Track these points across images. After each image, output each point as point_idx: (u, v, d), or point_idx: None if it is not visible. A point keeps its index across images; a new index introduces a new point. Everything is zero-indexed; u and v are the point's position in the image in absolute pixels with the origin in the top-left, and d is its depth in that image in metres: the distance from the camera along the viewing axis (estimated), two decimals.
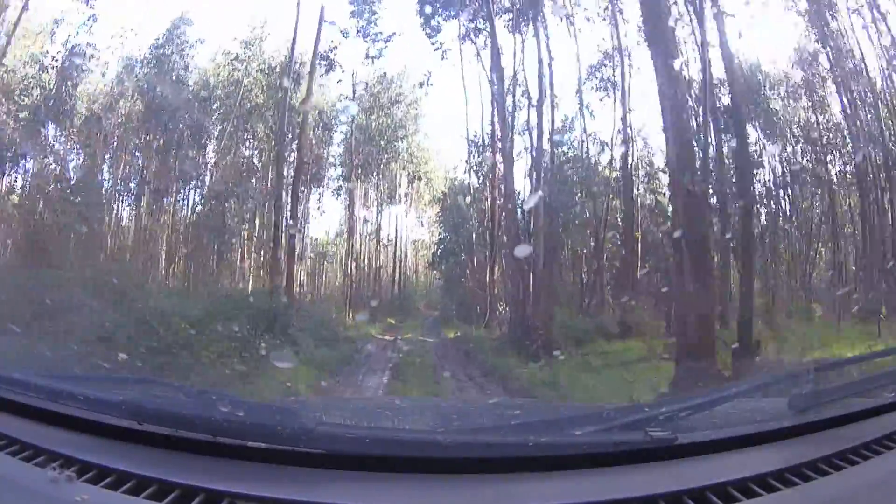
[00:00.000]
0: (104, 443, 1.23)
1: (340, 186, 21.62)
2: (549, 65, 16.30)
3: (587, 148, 18.99)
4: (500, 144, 17.57)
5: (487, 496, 1.14)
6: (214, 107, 18.84)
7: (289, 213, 16.85)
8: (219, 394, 1.79)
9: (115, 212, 17.77)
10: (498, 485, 1.15)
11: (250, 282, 19.59)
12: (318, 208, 21.94)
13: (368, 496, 1.12)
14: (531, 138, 17.06)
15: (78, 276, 11.56)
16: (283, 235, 16.59)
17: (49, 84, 16.21)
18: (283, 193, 17.05)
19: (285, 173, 17.40)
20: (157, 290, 14.10)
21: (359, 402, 4.32)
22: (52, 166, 16.22)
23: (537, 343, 12.27)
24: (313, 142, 20.35)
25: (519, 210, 17.10)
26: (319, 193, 21.58)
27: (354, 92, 20.14)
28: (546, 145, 16.57)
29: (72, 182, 16.20)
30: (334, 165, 21.94)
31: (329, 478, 1.14)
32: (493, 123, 18.48)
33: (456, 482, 1.16)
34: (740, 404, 1.63)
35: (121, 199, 18.11)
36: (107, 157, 17.30)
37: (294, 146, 18.25)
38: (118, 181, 17.84)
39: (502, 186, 17.90)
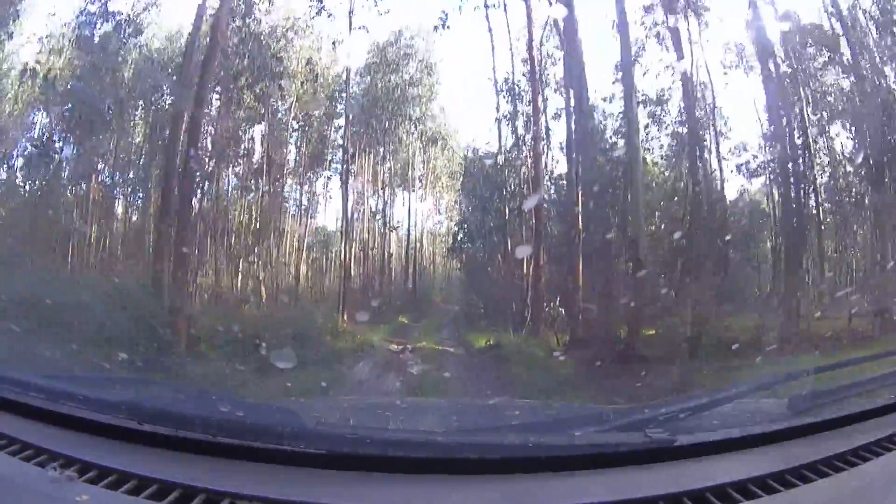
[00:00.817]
0: (105, 443, 1.24)
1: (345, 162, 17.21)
2: None
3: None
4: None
5: (488, 496, 1.14)
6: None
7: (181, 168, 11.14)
8: (219, 394, 1.79)
9: None
10: (498, 485, 1.15)
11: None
12: (326, 193, 17.74)
13: (369, 496, 1.12)
14: (568, 88, 12.74)
15: None
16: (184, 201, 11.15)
17: None
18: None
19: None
20: None
21: (359, 402, 4.32)
22: None
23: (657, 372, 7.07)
24: (314, 115, 16.55)
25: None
26: (327, 178, 17.59)
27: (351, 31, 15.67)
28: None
29: None
30: (341, 147, 17.48)
31: (329, 478, 1.15)
32: (529, 45, 13.65)
33: (456, 482, 1.16)
34: (740, 405, 1.63)
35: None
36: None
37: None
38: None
39: (544, 145, 13.79)
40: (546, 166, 14.20)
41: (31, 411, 1.33)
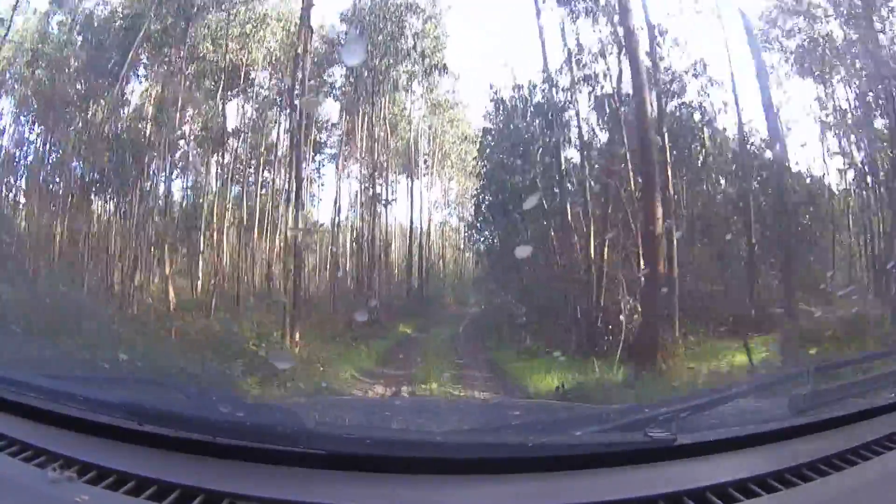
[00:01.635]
0: (104, 443, 1.24)
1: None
2: None
3: None
4: None
5: (487, 496, 1.14)
6: None
7: None
8: (219, 394, 1.79)
9: None
10: (498, 485, 1.15)
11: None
12: (318, 180, 13.94)
13: (369, 497, 1.12)
14: None
15: None
16: None
17: None
18: None
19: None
20: None
21: (359, 402, 4.32)
22: None
23: None
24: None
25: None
26: (318, 163, 14.11)
27: None
28: None
29: None
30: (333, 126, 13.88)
31: (329, 478, 1.14)
32: None
33: (456, 482, 1.16)
34: (740, 404, 1.63)
35: None
36: None
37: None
38: None
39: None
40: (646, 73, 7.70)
41: (30, 412, 1.33)
